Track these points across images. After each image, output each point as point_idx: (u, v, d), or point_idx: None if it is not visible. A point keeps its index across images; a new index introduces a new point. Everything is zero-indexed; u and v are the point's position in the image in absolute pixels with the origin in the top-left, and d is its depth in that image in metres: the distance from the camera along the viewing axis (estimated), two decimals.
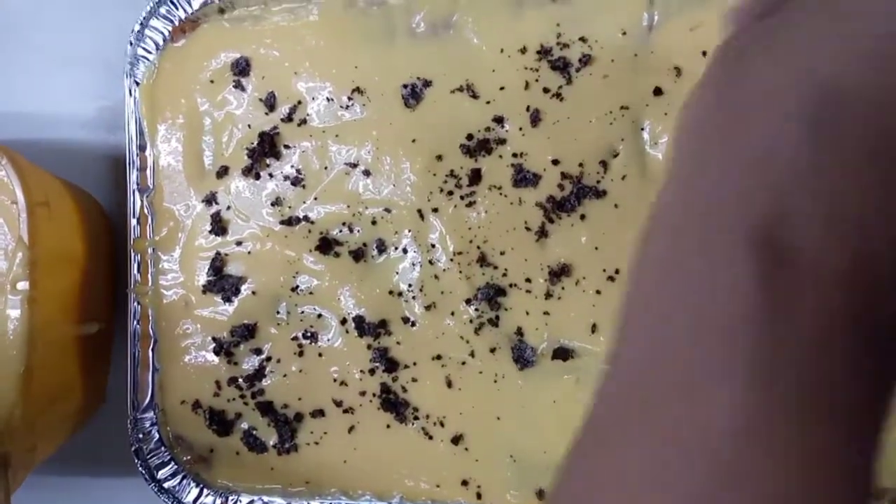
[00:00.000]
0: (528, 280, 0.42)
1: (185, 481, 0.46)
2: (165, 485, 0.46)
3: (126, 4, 0.47)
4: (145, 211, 0.46)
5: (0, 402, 0.40)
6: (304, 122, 0.44)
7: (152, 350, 0.46)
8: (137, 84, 0.46)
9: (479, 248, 0.43)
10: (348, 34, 0.44)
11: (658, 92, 0.41)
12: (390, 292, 0.44)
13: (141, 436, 0.46)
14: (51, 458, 0.46)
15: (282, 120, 0.44)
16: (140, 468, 0.46)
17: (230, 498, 0.46)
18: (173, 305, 0.46)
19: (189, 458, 0.46)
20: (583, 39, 0.42)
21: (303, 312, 0.45)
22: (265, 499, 0.46)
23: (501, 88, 0.43)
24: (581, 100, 0.42)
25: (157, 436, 0.46)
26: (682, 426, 0.18)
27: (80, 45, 0.52)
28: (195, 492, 0.46)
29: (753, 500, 0.17)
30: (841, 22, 0.20)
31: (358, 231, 0.44)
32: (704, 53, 0.41)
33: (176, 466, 0.46)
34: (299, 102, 0.44)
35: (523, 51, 0.42)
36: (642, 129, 0.41)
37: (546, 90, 0.42)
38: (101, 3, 0.50)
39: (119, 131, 0.48)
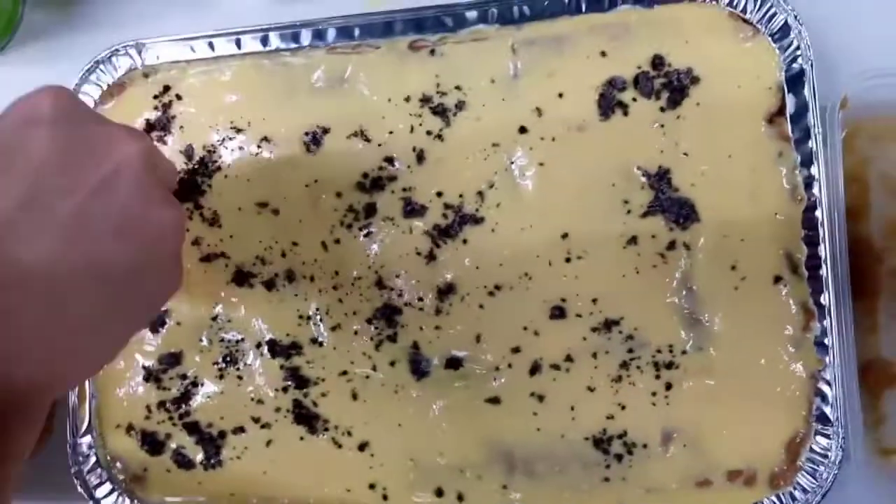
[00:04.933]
0: (420, 299, 0.48)
1: (120, 499, 0.50)
2: (103, 503, 0.50)
3: (62, 69, 0.52)
4: None
5: None
6: (218, 168, 0.50)
7: (89, 380, 0.51)
8: None
9: (376, 272, 0.48)
10: (256, 90, 0.50)
11: (523, 130, 0.47)
12: (300, 316, 0.49)
13: (80, 459, 0.50)
14: None
15: (200, 167, 0.50)
16: (80, 488, 0.50)
17: None
18: None
19: (125, 477, 0.51)
20: (458, 88, 0.48)
21: (222, 340, 0.50)
22: None
23: (390, 132, 0.48)
24: (458, 139, 0.48)
25: (94, 458, 0.51)
26: None
27: None
28: None
29: None
30: None
31: (269, 263, 0.49)
32: (561, 95, 0.47)
33: (113, 486, 0.50)
34: (214, 151, 0.50)
35: (408, 99, 0.48)
36: (512, 163, 0.47)
37: (429, 132, 0.48)
38: (38, 71, 0.56)
39: None
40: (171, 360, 0.50)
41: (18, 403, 0.29)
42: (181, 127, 0.51)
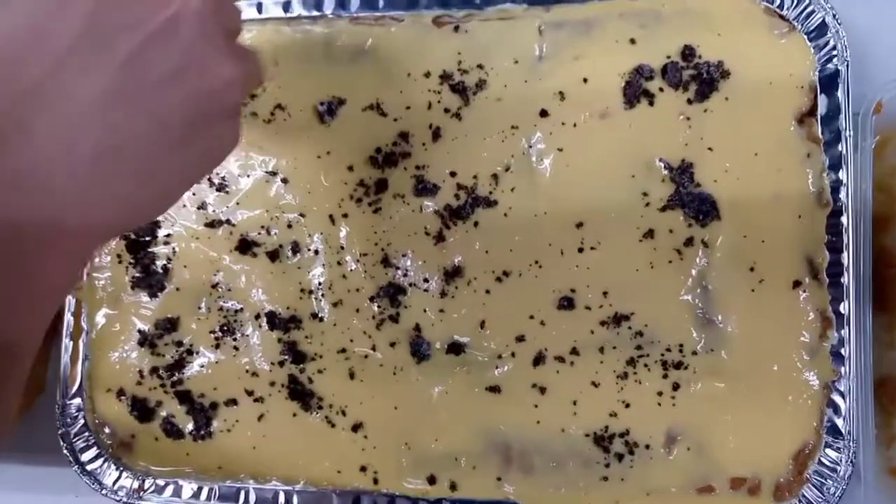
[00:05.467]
0: (425, 280, 0.46)
1: (106, 464, 0.49)
2: (88, 467, 0.49)
3: None
4: None
5: None
6: None
7: (83, 341, 0.50)
8: None
9: (382, 250, 0.47)
10: (274, 56, 0.49)
11: (544, 114, 0.46)
12: (302, 290, 0.48)
13: (68, 421, 0.49)
14: None
15: None
16: (65, 451, 0.49)
17: (147, 481, 0.49)
18: (104, 300, 0.50)
19: (112, 442, 0.50)
20: (480, 66, 0.47)
21: (221, 308, 0.48)
22: (180, 482, 0.49)
23: (407, 108, 0.47)
24: (477, 119, 0.46)
25: (83, 421, 0.49)
26: None
27: None
28: (115, 474, 0.49)
29: None
30: None
31: (275, 233, 0.48)
32: (585, 80, 0.45)
33: (99, 450, 0.49)
34: None
35: (427, 75, 0.47)
36: (530, 147, 0.46)
37: (447, 110, 0.47)
38: None
39: None
40: (168, 325, 0.49)
41: (65, 245, 0.28)
42: None
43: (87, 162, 0.27)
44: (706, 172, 0.44)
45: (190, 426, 0.49)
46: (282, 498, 0.48)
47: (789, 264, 0.43)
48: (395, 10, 0.48)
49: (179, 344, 0.49)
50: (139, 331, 0.49)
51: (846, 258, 0.42)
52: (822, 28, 0.43)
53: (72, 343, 0.50)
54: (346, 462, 0.47)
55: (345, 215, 0.47)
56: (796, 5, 0.44)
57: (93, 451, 0.49)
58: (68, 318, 0.50)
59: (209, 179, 0.49)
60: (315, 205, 0.48)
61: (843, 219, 0.42)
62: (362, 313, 0.47)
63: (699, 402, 0.43)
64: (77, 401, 0.50)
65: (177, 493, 0.49)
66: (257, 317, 0.48)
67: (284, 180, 0.48)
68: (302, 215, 0.48)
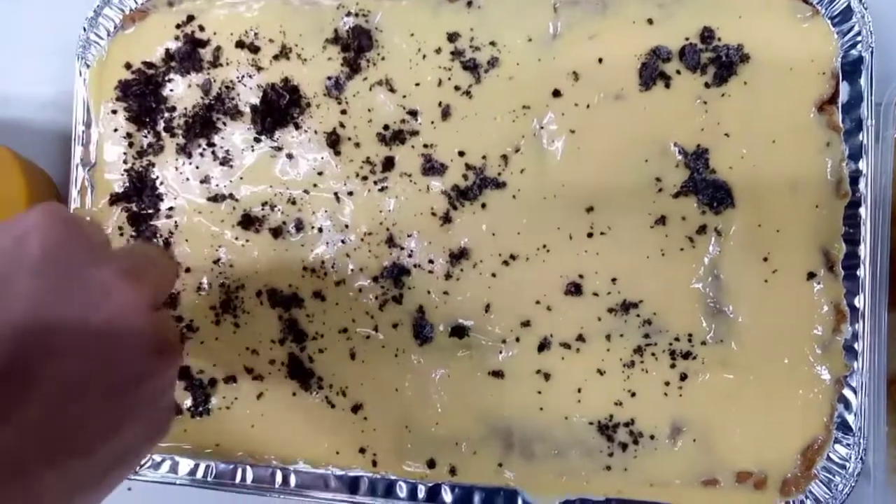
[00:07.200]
0: (430, 261, 0.45)
1: None
2: None
3: None
4: (86, 183, 0.50)
5: None
6: (235, 106, 0.48)
7: None
8: (88, 67, 0.50)
9: (388, 229, 0.46)
10: (282, 29, 0.48)
11: (557, 94, 0.44)
12: (304, 268, 0.47)
13: None
14: None
15: (215, 104, 0.48)
16: None
17: None
18: None
19: None
20: (493, 44, 0.46)
21: (222, 285, 0.48)
22: (176, 458, 0.48)
23: (417, 84, 0.46)
24: (487, 98, 0.45)
25: None
26: None
27: (45, 32, 0.56)
28: None
29: None
30: None
31: (278, 210, 0.47)
32: (600, 60, 0.44)
33: None
34: (232, 88, 0.48)
35: (438, 51, 0.46)
36: (541, 128, 0.45)
37: (457, 88, 0.46)
38: None
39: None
40: (168, 300, 0.48)
41: None
42: (200, 60, 0.48)
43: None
44: (722, 159, 0.43)
45: (188, 402, 0.48)
46: (279, 477, 0.47)
47: (804, 255, 0.42)
48: None
49: (179, 319, 0.48)
50: None
51: (863, 251, 0.41)
52: (847, 13, 0.42)
53: None
54: (345, 443, 0.46)
55: (350, 193, 0.46)
56: None
57: None
58: None
59: (213, 153, 0.48)
60: (320, 181, 0.47)
61: (861, 210, 0.41)
62: (365, 293, 0.46)
63: (707, 393, 0.42)
64: None
65: (173, 469, 0.48)
66: (258, 294, 0.47)
67: (289, 156, 0.47)
68: (306, 192, 0.47)
